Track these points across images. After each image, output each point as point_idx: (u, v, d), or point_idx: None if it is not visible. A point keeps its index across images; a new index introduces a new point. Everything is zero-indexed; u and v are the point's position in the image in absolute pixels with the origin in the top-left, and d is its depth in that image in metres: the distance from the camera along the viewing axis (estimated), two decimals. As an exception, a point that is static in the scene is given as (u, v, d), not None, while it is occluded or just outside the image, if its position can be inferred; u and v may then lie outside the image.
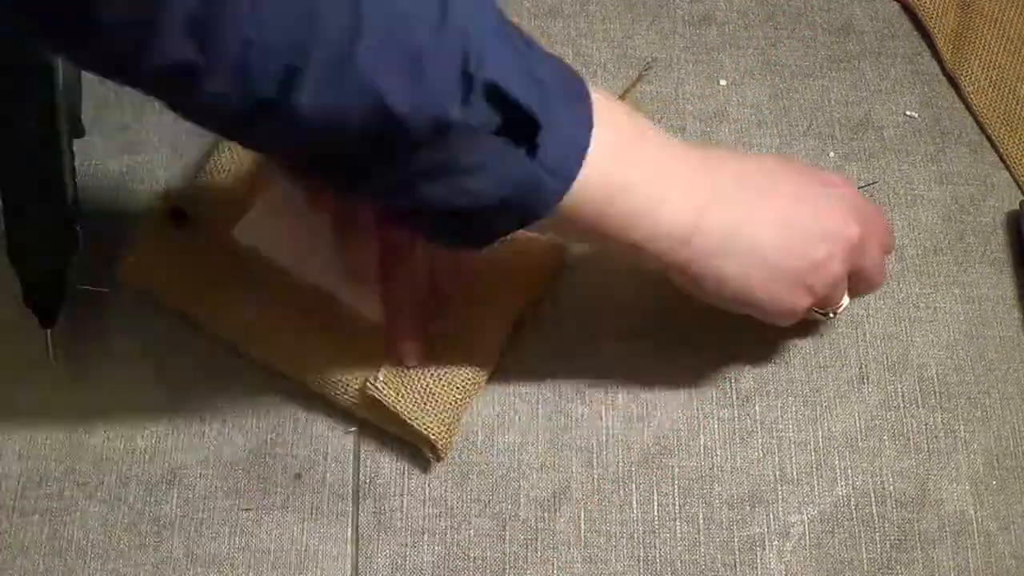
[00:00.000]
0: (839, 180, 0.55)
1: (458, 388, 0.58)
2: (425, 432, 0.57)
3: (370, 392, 0.57)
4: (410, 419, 0.57)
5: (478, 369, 0.59)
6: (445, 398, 0.58)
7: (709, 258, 0.50)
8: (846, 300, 0.57)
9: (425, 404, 0.58)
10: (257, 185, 0.62)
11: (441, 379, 0.58)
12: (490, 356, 0.60)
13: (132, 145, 0.68)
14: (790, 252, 0.51)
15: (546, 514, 0.59)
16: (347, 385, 0.59)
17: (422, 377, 0.58)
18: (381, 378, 0.58)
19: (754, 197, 0.51)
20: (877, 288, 0.58)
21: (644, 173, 0.48)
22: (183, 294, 0.60)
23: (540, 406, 0.61)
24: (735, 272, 0.51)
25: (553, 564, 0.58)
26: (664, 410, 0.61)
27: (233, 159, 0.63)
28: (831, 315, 0.57)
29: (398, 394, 0.58)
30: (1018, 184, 0.69)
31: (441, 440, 0.58)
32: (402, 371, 0.58)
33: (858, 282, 0.56)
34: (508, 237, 0.47)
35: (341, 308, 0.60)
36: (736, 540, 0.59)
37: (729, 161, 0.52)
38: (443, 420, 0.58)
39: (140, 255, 0.61)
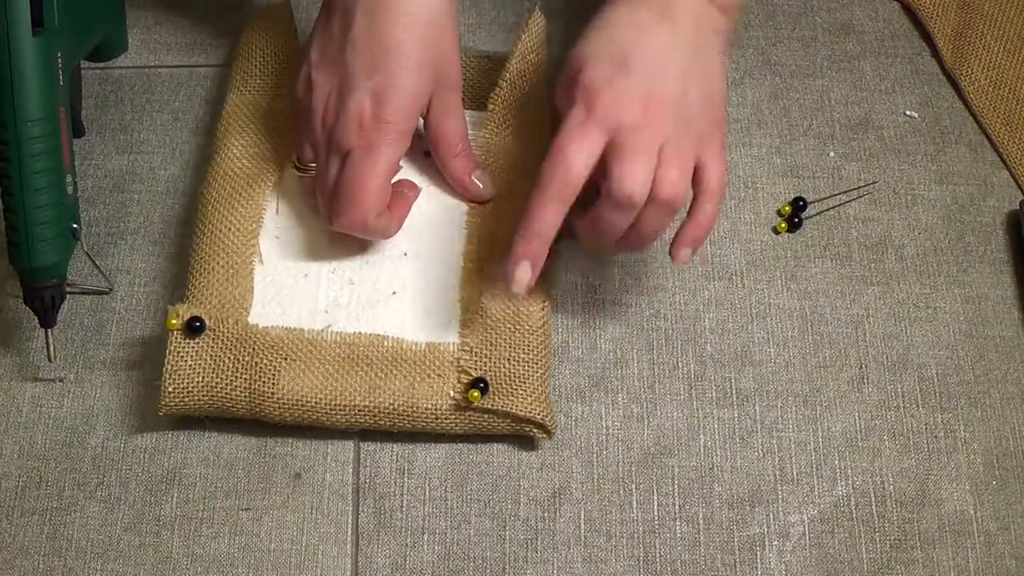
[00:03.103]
0: None
1: (536, 363, 0.59)
2: (530, 415, 0.58)
3: (476, 404, 0.57)
4: (513, 408, 0.58)
5: (542, 338, 0.60)
6: (531, 377, 0.59)
7: None
8: None
9: (519, 390, 0.58)
10: (242, 268, 0.60)
11: (519, 361, 0.59)
12: (545, 321, 0.60)
13: (132, 145, 0.68)
14: None
15: (546, 514, 0.59)
16: (437, 410, 0.58)
17: (502, 365, 0.58)
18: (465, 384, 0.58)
19: None
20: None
21: None
22: (233, 400, 0.58)
23: (540, 406, 0.61)
24: None
25: (553, 564, 0.58)
26: (664, 410, 0.61)
27: (214, 251, 0.60)
28: None
29: (493, 392, 0.58)
30: (1018, 184, 0.69)
31: (548, 417, 0.58)
32: (482, 368, 0.58)
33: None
34: None
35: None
36: (736, 540, 0.59)
37: None
38: (539, 398, 0.58)
39: (175, 382, 0.57)
